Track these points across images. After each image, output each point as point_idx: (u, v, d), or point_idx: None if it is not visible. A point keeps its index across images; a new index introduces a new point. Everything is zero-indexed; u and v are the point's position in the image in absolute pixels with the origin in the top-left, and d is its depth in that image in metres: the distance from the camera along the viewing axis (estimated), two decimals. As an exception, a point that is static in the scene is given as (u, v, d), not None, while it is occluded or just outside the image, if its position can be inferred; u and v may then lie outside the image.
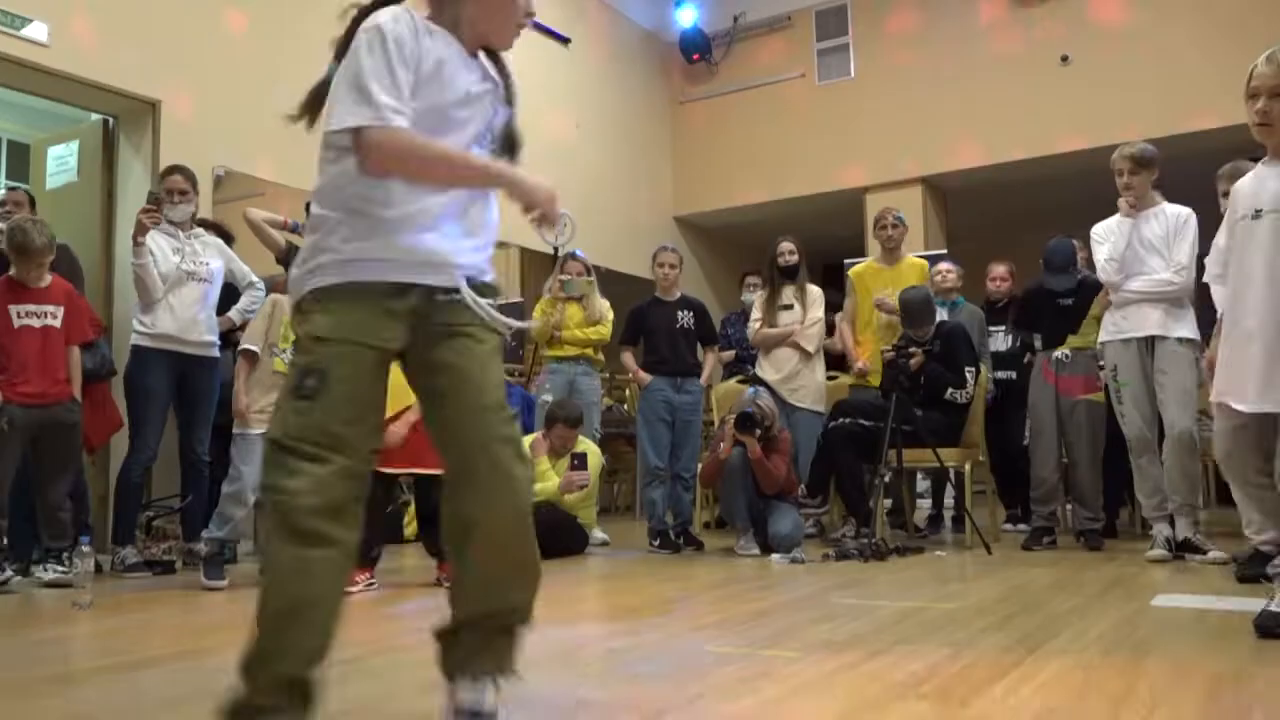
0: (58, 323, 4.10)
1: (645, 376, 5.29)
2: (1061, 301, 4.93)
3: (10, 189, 5.32)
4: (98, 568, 3.97)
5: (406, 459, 3.77)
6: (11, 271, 4.08)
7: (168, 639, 2.88)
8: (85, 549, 3.44)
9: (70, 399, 4.14)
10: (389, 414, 3.43)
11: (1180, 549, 4.20)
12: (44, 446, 4.04)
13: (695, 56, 9.59)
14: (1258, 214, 3.13)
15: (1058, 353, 4.89)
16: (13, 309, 4.02)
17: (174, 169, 4.61)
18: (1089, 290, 4.81)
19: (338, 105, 1.56)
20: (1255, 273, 3.10)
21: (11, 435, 3.92)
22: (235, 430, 4.00)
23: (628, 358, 5.43)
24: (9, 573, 3.83)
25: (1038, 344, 5.03)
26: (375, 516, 3.75)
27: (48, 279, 4.13)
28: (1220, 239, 3.44)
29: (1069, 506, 5.38)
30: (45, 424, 4.02)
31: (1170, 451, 4.21)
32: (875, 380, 5.44)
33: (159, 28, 5.39)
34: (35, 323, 4.06)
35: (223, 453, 4.29)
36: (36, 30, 4.86)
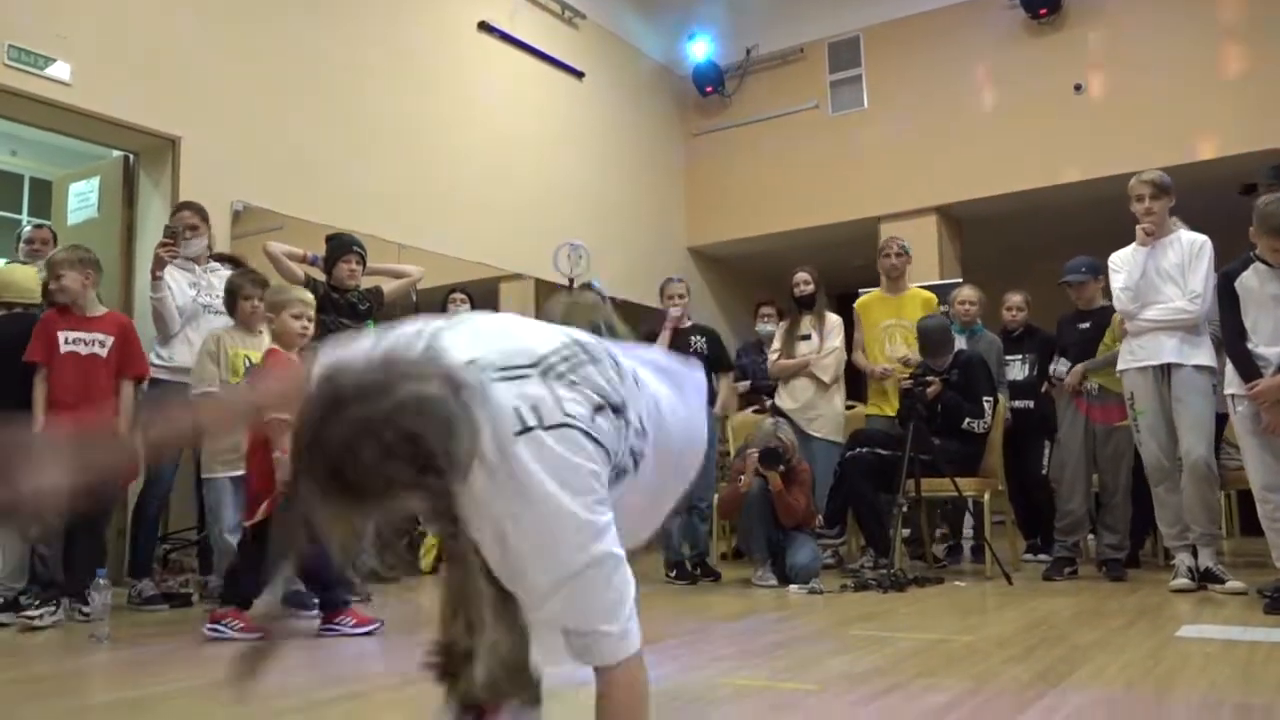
0: (104, 352, 3.96)
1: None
2: (1080, 326, 4.93)
3: (36, 227, 5.38)
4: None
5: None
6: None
7: (186, 671, 2.87)
8: (102, 582, 3.43)
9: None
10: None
11: (1203, 579, 4.15)
12: None
13: (708, 89, 9.65)
14: None
15: (1086, 384, 4.87)
16: (60, 334, 3.89)
17: (183, 205, 4.66)
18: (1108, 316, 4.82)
19: None
20: None
21: None
22: (203, 475, 3.99)
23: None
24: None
25: (1063, 369, 4.97)
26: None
27: (100, 309, 4.05)
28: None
29: (1091, 536, 5.33)
30: None
31: (1187, 480, 4.16)
32: (892, 408, 5.42)
33: (178, 66, 5.46)
34: (81, 350, 3.91)
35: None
36: (59, 70, 4.94)
